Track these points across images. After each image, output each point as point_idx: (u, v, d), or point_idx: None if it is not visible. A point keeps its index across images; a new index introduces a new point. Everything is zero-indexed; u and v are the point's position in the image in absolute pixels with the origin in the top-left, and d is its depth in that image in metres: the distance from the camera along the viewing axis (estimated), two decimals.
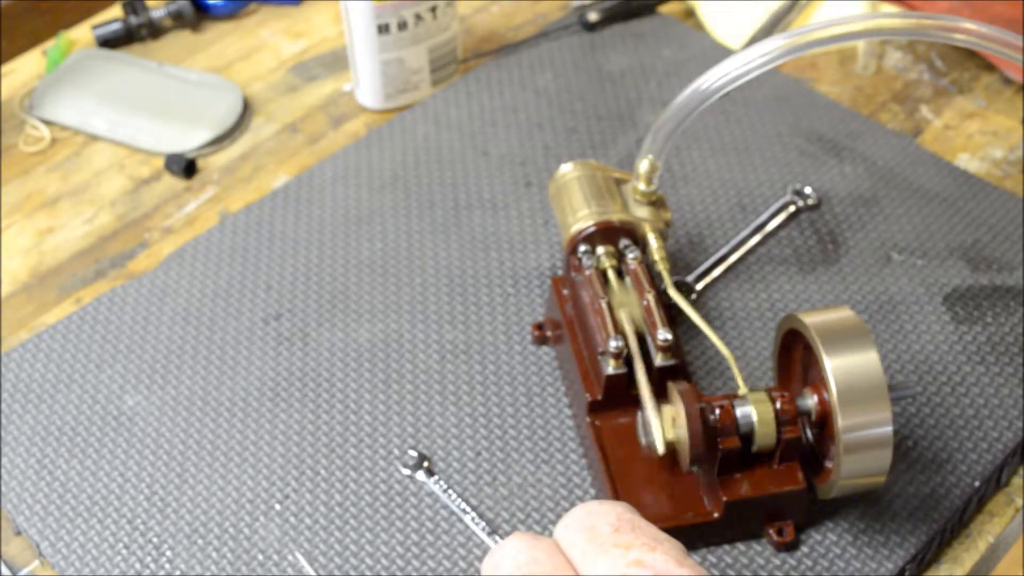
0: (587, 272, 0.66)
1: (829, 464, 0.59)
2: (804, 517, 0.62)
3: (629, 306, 0.65)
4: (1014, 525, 0.66)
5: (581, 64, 0.92)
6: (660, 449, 0.57)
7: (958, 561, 0.63)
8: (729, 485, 0.60)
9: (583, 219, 0.67)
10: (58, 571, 0.63)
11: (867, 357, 0.56)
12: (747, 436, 0.59)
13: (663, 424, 0.59)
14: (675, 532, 0.60)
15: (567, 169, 0.70)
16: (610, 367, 0.63)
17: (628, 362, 0.63)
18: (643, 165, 0.67)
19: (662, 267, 0.67)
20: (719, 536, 0.62)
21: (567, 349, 0.68)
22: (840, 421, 0.55)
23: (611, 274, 0.66)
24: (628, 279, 0.66)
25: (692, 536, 0.62)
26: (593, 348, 0.65)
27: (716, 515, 0.61)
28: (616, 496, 0.62)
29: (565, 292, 0.70)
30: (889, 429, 0.56)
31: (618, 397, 0.64)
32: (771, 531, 0.62)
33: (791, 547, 0.62)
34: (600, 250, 0.67)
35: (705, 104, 0.65)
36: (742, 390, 0.60)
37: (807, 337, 0.58)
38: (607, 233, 0.67)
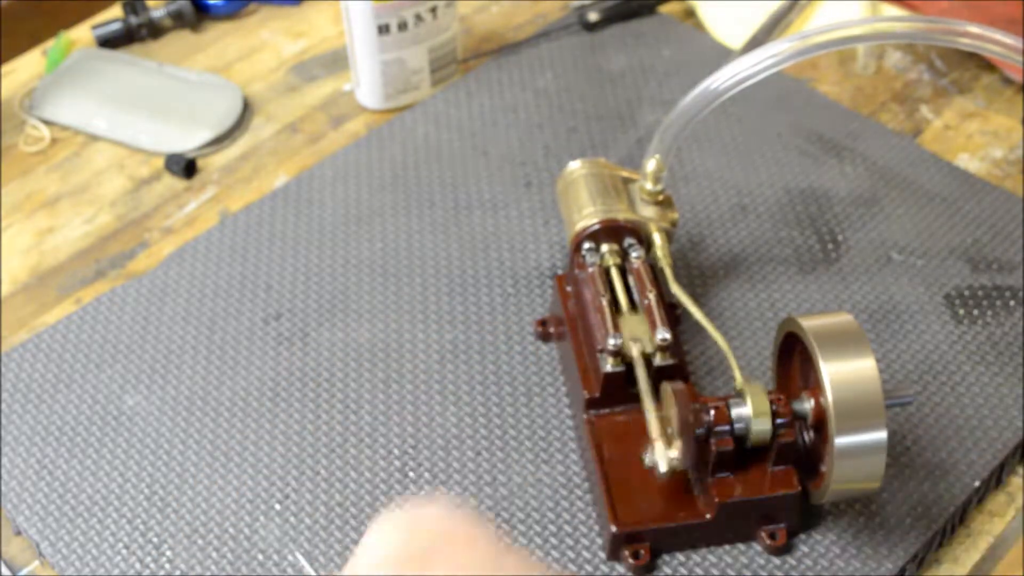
0: (590, 270, 0.66)
1: (824, 469, 0.59)
2: (798, 521, 0.62)
3: (637, 334, 0.64)
4: (1014, 525, 0.66)
5: (581, 64, 0.92)
6: (663, 469, 0.57)
7: (958, 561, 0.63)
8: (723, 486, 0.60)
9: (588, 217, 0.67)
10: (58, 571, 0.63)
11: (864, 363, 0.56)
12: (742, 437, 0.59)
13: (667, 445, 0.58)
14: (667, 531, 0.61)
15: (575, 166, 0.70)
16: (608, 365, 0.63)
17: (630, 369, 0.63)
18: (650, 164, 0.67)
19: (665, 263, 0.67)
20: (711, 537, 0.62)
21: (568, 346, 0.68)
22: (834, 426, 0.55)
23: (617, 283, 0.66)
24: (640, 311, 0.65)
25: (684, 536, 0.62)
26: (593, 346, 0.65)
27: (708, 516, 0.61)
28: (609, 494, 0.61)
29: (568, 289, 0.70)
30: (883, 435, 0.56)
31: (616, 395, 0.64)
32: (763, 534, 0.62)
33: (783, 551, 0.62)
34: (604, 248, 0.67)
35: (713, 105, 0.65)
36: (739, 382, 0.60)
37: (805, 341, 0.58)
38: (612, 231, 0.67)
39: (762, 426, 0.58)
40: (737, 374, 0.61)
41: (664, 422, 0.59)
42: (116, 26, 0.95)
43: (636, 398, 0.62)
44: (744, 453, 0.60)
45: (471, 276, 0.77)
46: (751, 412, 0.58)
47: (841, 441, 0.55)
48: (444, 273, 0.77)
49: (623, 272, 0.67)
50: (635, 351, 0.63)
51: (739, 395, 0.59)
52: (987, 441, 0.66)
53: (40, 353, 0.73)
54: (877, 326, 0.72)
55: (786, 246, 0.78)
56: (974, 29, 0.62)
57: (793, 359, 0.62)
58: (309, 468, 0.67)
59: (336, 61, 0.94)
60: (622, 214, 0.67)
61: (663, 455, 0.57)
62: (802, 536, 0.63)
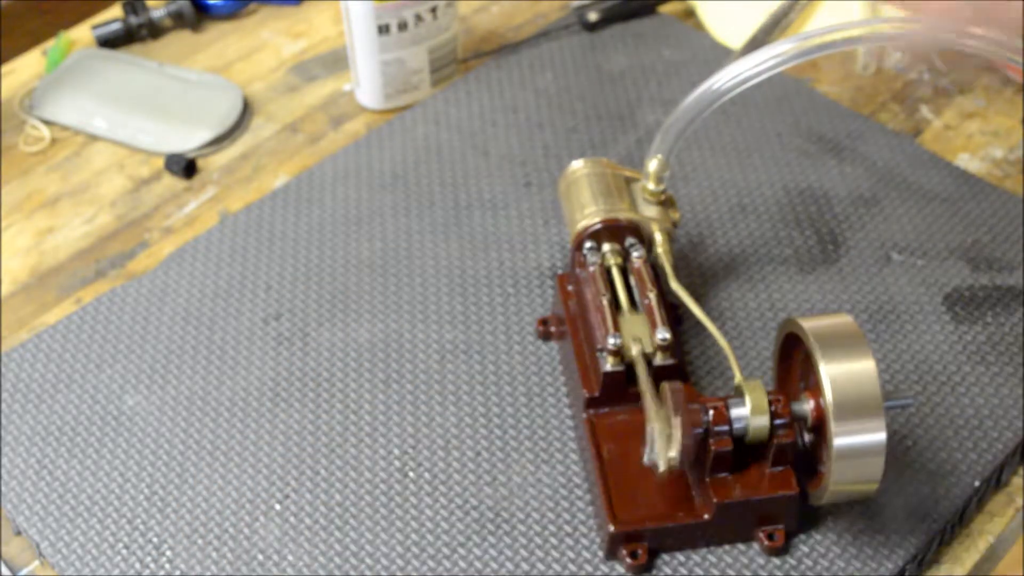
0: (591, 269, 0.66)
1: (823, 470, 0.59)
2: (796, 523, 0.62)
3: (638, 334, 0.64)
4: (1014, 525, 0.66)
5: (581, 64, 0.92)
6: (661, 467, 0.57)
7: (958, 561, 0.63)
8: (721, 487, 0.60)
9: (590, 216, 0.67)
10: (58, 571, 0.63)
11: (864, 365, 0.56)
12: (741, 438, 0.59)
13: (666, 443, 0.58)
14: (665, 532, 0.61)
15: (578, 166, 0.70)
16: (608, 364, 0.63)
17: (630, 369, 0.63)
18: (652, 164, 0.67)
19: (665, 260, 0.67)
20: (710, 538, 0.62)
21: (569, 345, 0.68)
22: (833, 428, 0.55)
23: (618, 282, 0.66)
24: (640, 309, 0.66)
25: (682, 536, 0.62)
26: (593, 345, 0.65)
27: (706, 516, 0.60)
28: (608, 493, 0.62)
29: (570, 288, 0.70)
30: (882, 437, 0.56)
31: (615, 395, 0.64)
32: (762, 535, 0.62)
33: (781, 552, 0.62)
34: (606, 247, 0.67)
35: (715, 105, 0.65)
36: (738, 379, 0.60)
37: (805, 343, 0.58)
38: (613, 231, 0.67)
39: (760, 422, 0.58)
40: (737, 372, 0.61)
41: (664, 421, 0.59)
42: (116, 26, 0.95)
43: (636, 398, 0.62)
44: (743, 454, 0.60)
45: (471, 276, 0.77)
46: (749, 409, 0.58)
47: (840, 442, 0.55)
48: (444, 273, 0.77)
49: (624, 272, 0.67)
50: (635, 350, 0.63)
51: (738, 394, 0.59)
52: (987, 441, 0.66)
53: (40, 353, 0.73)
54: (877, 326, 0.72)
55: (786, 246, 0.78)
56: (974, 30, 0.62)
57: (793, 360, 0.62)
58: (309, 468, 0.67)
59: (336, 61, 0.94)
60: (624, 213, 0.67)
61: (662, 454, 0.57)
62: (802, 536, 0.63)
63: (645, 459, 0.59)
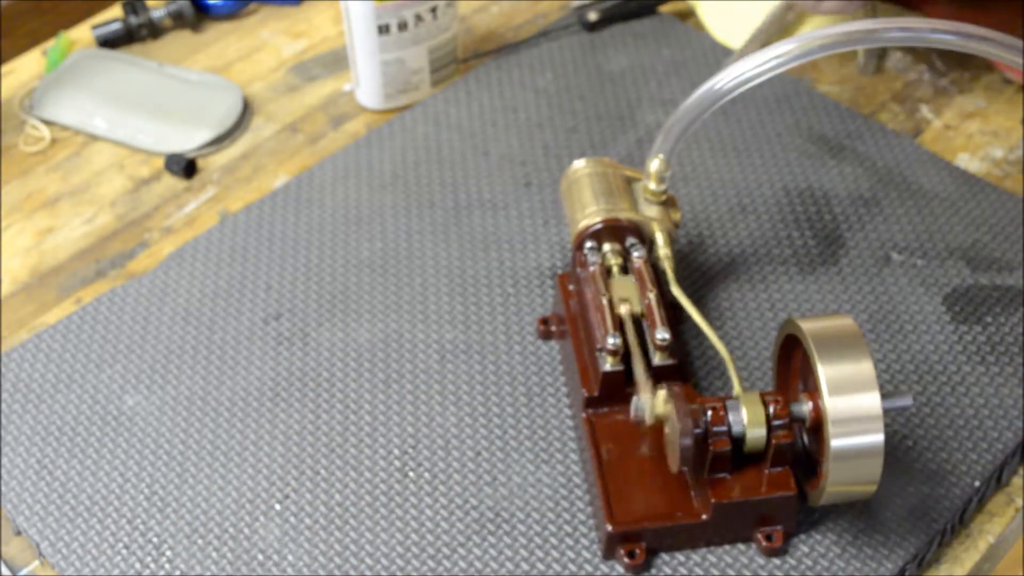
0: (591, 268, 0.66)
1: (821, 471, 0.59)
2: (795, 523, 0.62)
3: (630, 300, 0.65)
4: (1014, 525, 0.66)
5: (581, 64, 0.92)
6: (648, 420, 0.57)
7: (958, 561, 0.63)
8: (719, 487, 0.60)
9: (591, 215, 0.67)
10: (58, 571, 0.63)
11: (862, 367, 0.56)
12: (739, 439, 0.59)
13: (654, 398, 0.59)
14: (663, 531, 0.61)
15: (579, 165, 0.70)
16: (607, 364, 0.63)
17: (626, 357, 0.63)
18: (654, 164, 0.67)
19: (667, 266, 0.67)
20: (708, 538, 0.62)
21: (569, 345, 0.68)
22: (830, 429, 0.55)
23: (615, 271, 0.67)
24: (632, 276, 0.66)
25: (681, 536, 0.62)
26: (593, 344, 0.65)
27: (704, 516, 0.61)
28: (606, 492, 0.62)
29: (570, 288, 0.70)
30: (880, 439, 0.56)
31: (614, 395, 0.64)
32: (760, 536, 0.62)
33: (780, 552, 0.62)
34: (606, 247, 0.67)
35: (717, 105, 0.65)
36: (737, 391, 0.60)
37: (804, 344, 0.58)
38: (614, 231, 0.67)
39: (757, 433, 0.58)
40: (736, 384, 0.61)
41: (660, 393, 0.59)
42: (116, 26, 0.95)
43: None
44: (742, 454, 0.60)
45: (471, 276, 0.77)
46: (746, 422, 0.58)
47: (837, 444, 0.55)
48: (444, 273, 0.77)
49: (624, 271, 0.67)
50: (624, 310, 0.63)
51: (737, 398, 0.59)
52: (987, 441, 0.66)
53: (40, 353, 0.73)
54: (877, 327, 0.72)
55: (786, 246, 0.78)
56: (974, 31, 0.62)
57: (793, 361, 0.62)
58: (309, 468, 0.67)
59: (336, 61, 0.94)
60: (625, 213, 0.67)
61: (648, 406, 0.57)
62: (802, 536, 0.63)
63: (632, 413, 0.59)
